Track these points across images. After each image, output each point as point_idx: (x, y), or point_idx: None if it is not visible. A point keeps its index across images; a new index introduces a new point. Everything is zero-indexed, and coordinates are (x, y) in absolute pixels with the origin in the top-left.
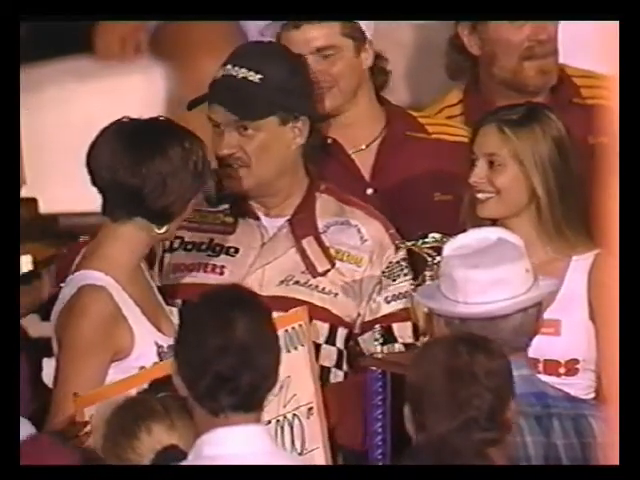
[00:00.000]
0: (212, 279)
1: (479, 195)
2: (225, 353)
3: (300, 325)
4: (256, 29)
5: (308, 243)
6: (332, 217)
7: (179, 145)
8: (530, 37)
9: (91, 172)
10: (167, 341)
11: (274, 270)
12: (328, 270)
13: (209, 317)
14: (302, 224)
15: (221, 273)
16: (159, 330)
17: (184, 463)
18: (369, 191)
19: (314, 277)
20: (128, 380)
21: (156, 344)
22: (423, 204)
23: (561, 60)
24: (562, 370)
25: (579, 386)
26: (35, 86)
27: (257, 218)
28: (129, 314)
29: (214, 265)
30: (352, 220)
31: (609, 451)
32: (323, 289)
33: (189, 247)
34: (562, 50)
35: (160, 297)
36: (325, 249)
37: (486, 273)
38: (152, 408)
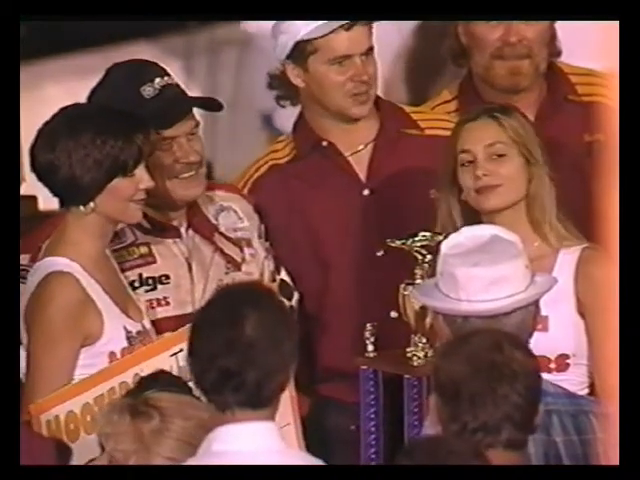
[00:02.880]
0: (160, 312)
1: (482, 188)
2: (231, 349)
3: None
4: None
5: (219, 240)
6: (209, 206)
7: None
8: (501, 37)
9: (49, 184)
10: (135, 326)
11: (212, 283)
12: (244, 258)
13: (220, 313)
14: (202, 224)
15: (167, 304)
16: (127, 315)
17: (193, 459)
18: (365, 192)
19: (239, 271)
20: (83, 382)
21: (125, 329)
22: (419, 202)
23: (560, 58)
24: (552, 366)
25: (572, 382)
26: (35, 84)
27: (178, 235)
28: (97, 299)
29: (157, 299)
30: (223, 203)
31: (609, 450)
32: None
33: None
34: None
35: (126, 284)
36: (230, 239)
37: (488, 270)
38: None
